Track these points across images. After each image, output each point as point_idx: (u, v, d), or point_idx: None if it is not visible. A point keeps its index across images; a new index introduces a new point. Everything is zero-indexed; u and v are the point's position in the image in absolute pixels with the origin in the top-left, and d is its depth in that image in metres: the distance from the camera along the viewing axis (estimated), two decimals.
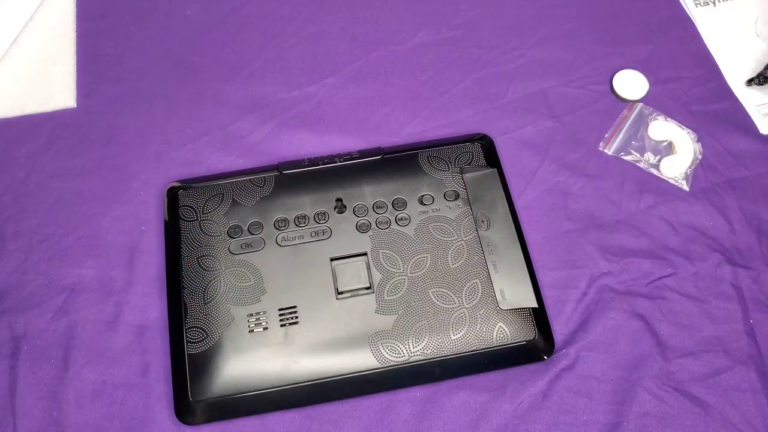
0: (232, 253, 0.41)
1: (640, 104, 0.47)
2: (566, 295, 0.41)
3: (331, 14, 0.52)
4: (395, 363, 0.38)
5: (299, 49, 0.51)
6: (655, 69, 0.49)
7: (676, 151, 0.46)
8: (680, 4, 0.53)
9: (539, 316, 0.40)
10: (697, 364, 0.39)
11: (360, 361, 0.38)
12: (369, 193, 0.43)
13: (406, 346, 0.38)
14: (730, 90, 0.49)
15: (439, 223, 0.42)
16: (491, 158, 0.45)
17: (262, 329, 0.39)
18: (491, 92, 0.49)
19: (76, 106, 0.49)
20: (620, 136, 0.47)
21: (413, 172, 0.44)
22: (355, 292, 0.40)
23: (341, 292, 0.40)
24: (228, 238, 0.42)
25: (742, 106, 0.48)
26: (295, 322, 0.39)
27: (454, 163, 0.44)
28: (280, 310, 0.39)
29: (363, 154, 0.44)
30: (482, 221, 0.42)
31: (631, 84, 0.48)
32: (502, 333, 0.39)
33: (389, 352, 0.38)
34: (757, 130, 0.47)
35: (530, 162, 0.45)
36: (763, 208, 0.44)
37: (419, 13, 0.52)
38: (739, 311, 0.40)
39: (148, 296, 0.42)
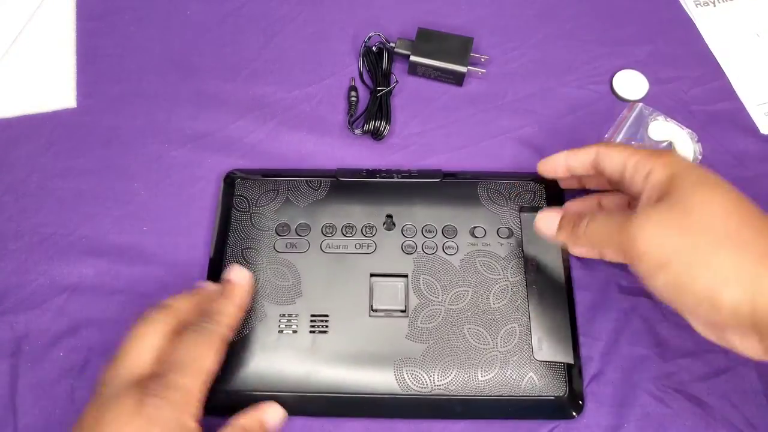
0: (276, 250, 0.41)
1: (640, 104, 0.47)
2: None
3: (331, 14, 0.52)
4: (416, 393, 0.37)
5: (299, 49, 0.51)
6: (655, 69, 0.49)
7: (676, 151, 0.46)
8: (680, 4, 0.53)
9: (573, 373, 0.38)
10: (697, 364, 0.39)
11: (381, 383, 0.37)
12: (420, 214, 0.42)
13: (431, 378, 0.37)
14: (731, 90, 0.49)
15: (486, 259, 0.40)
16: (554, 201, 0.43)
17: (291, 332, 0.39)
18: (491, 92, 0.49)
19: (76, 106, 0.49)
20: (620, 136, 0.47)
21: (469, 202, 0.42)
22: (389, 313, 0.39)
23: (375, 310, 0.39)
24: (275, 235, 0.41)
25: (743, 106, 0.48)
26: (325, 331, 0.39)
27: (514, 199, 0.42)
28: (312, 316, 0.39)
29: (422, 174, 0.43)
30: (532, 264, 0.40)
31: (631, 84, 0.48)
32: (532, 383, 0.37)
33: (412, 381, 0.37)
34: (758, 130, 0.47)
35: (530, 163, 0.45)
36: (763, 208, 0.44)
37: (419, 12, 0.52)
38: None
39: (149, 296, 0.42)
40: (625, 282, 0.41)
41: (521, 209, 0.42)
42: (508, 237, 0.41)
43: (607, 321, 0.40)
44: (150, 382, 0.31)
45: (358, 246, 0.41)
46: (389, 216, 0.42)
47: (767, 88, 0.49)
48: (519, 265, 0.40)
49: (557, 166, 0.39)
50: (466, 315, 0.39)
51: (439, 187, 0.43)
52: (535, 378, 0.37)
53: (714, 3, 0.53)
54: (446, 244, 0.41)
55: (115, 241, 0.44)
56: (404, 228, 0.41)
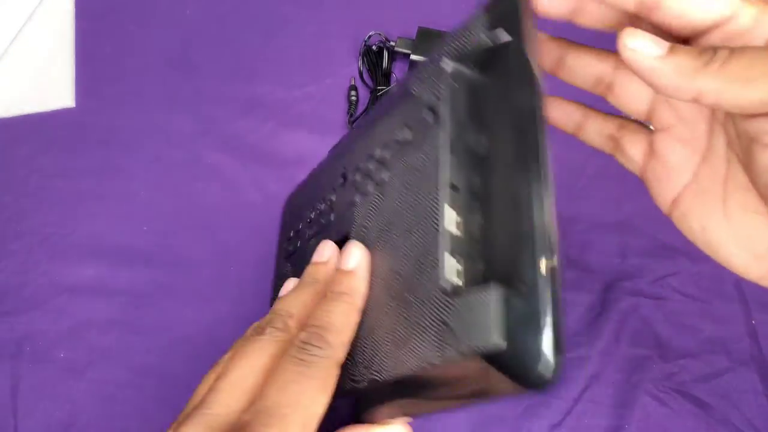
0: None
1: None
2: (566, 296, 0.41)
3: (331, 14, 0.52)
4: (353, 388, 0.23)
5: (299, 49, 0.51)
6: None
7: None
8: None
9: (524, 302, 0.17)
10: (698, 365, 0.39)
11: None
12: (360, 150, 0.27)
13: (362, 370, 0.23)
14: None
15: (411, 176, 0.22)
16: (508, 25, 0.21)
17: None
18: None
19: (75, 106, 0.49)
20: None
21: (401, 95, 0.25)
22: None
23: None
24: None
25: None
26: None
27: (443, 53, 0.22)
28: None
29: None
30: (477, 144, 0.22)
31: None
32: (448, 334, 0.19)
33: (348, 380, 0.23)
34: None
35: None
36: None
37: (419, 13, 0.52)
38: (741, 312, 0.40)
39: (149, 296, 0.42)
40: (626, 282, 0.41)
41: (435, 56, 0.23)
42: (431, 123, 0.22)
43: (607, 321, 0.40)
44: None
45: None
46: (344, 174, 0.28)
47: None
48: (431, 162, 0.21)
49: None
50: (387, 284, 0.23)
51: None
52: (451, 321, 0.19)
53: None
54: (378, 180, 0.25)
55: (115, 241, 0.44)
56: (348, 176, 0.28)
